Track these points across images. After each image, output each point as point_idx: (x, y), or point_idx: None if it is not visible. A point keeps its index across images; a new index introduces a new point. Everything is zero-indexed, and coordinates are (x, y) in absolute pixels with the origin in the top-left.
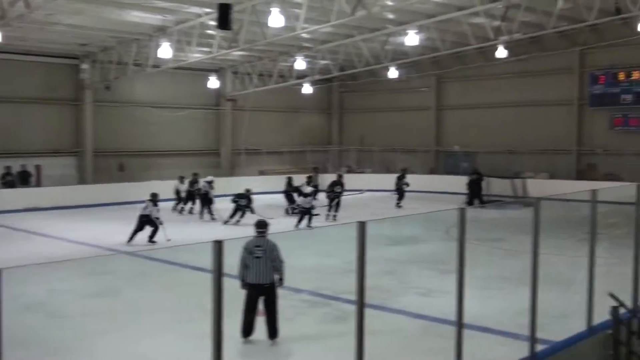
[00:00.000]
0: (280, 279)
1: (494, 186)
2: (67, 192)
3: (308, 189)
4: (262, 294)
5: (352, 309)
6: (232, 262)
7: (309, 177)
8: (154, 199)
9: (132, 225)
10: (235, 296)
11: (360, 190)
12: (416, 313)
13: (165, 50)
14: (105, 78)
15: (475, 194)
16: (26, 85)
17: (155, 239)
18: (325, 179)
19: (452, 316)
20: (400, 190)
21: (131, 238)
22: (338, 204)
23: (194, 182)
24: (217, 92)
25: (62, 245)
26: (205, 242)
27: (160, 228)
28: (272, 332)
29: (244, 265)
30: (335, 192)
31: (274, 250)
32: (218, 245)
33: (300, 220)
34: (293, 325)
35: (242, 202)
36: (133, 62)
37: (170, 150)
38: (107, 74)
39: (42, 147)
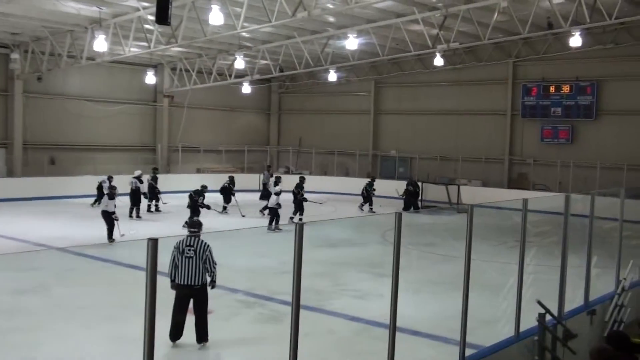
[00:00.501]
0: (212, 281)
1: (429, 192)
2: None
3: (277, 189)
4: (192, 296)
5: (286, 309)
6: (166, 260)
7: (278, 177)
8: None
9: (61, 220)
10: (166, 297)
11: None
12: (350, 315)
13: (100, 44)
14: (37, 69)
15: (411, 204)
16: None
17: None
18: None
19: (386, 319)
20: (369, 196)
21: (110, 236)
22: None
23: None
24: (155, 88)
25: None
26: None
27: (116, 224)
28: (201, 335)
29: (175, 265)
30: (301, 195)
31: (206, 251)
32: (153, 243)
33: (273, 221)
34: (228, 325)
35: (200, 199)
36: (67, 54)
37: (105, 145)
38: (39, 65)
39: None
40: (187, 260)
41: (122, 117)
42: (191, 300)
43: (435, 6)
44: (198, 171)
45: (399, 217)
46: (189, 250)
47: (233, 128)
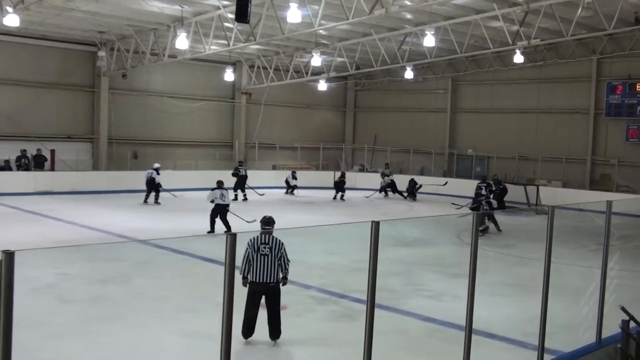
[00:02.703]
0: (284, 277)
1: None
2: (81, 178)
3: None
4: (266, 293)
5: (359, 307)
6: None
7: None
8: (220, 186)
9: (142, 212)
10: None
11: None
12: (424, 315)
13: (182, 41)
14: (122, 66)
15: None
16: (43, 70)
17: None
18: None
19: (460, 320)
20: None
21: (213, 228)
22: None
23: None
24: (233, 85)
25: (73, 229)
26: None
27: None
28: (274, 332)
29: (248, 262)
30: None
31: (281, 249)
32: (232, 238)
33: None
34: (301, 322)
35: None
36: (150, 52)
37: (184, 141)
38: (124, 62)
39: (57, 132)
40: (262, 257)
41: (201, 113)
42: (263, 297)
43: (516, 2)
44: (274, 168)
45: (476, 217)
46: (264, 247)
47: (308, 125)
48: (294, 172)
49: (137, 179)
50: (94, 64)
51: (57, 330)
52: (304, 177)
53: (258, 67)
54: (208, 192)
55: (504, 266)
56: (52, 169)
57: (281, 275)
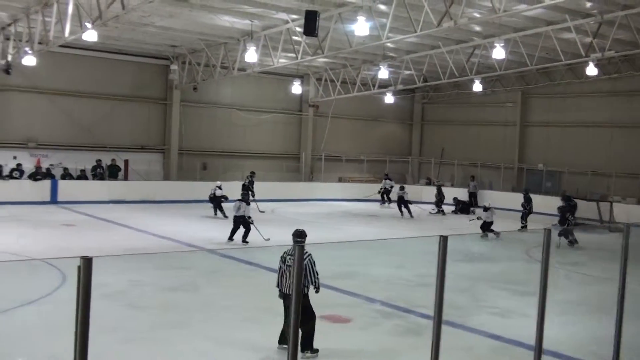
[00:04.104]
0: (315, 287)
1: (578, 208)
2: (152, 188)
3: None
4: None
5: (425, 322)
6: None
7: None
8: (245, 198)
9: (210, 222)
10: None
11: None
12: (490, 333)
13: (251, 55)
14: (193, 79)
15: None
16: (118, 83)
17: (249, 239)
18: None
19: (528, 339)
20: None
21: (231, 237)
22: None
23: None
24: (300, 98)
25: (144, 238)
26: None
27: (253, 228)
28: (304, 344)
29: (280, 274)
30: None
31: (305, 260)
32: (300, 250)
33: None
34: (366, 335)
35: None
36: (220, 65)
37: (252, 153)
38: (195, 76)
39: (131, 143)
40: (288, 269)
41: (269, 125)
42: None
43: (589, 13)
44: (340, 180)
45: (547, 233)
46: (290, 259)
47: (375, 138)
48: (402, 187)
49: (206, 189)
50: (166, 77)
51: (127, 335)
52: (370, 190)
53: (325, 80)
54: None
55: (574, 284)
56: (126, 178)
57: (306, 289)
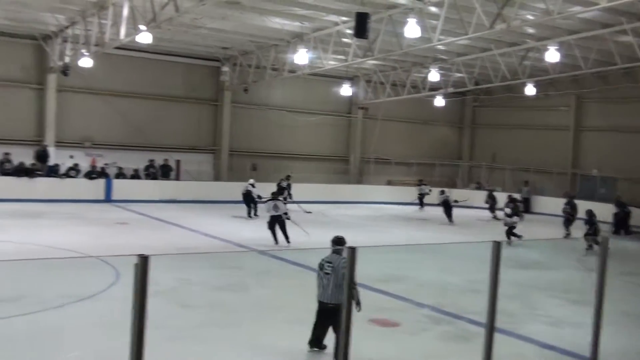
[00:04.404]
0: (357, 303)
1: (636, 216)
2: (203, 188)
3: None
4: (327, 315)
5: (474, 329)
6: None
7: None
8: (276, 197)
9: (260, 223)
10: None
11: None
12: (542, 342)
13: (301, 57)
14: (244, 81)
15: (621, 225)
16: (171, 84)
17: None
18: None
19: (581, 350)
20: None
21: (276, 239)
22: None
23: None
24: (350, 100)
25: (195, 237)
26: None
27: (290, 223)
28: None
29: (317, 280)
30: None
31: (344, 269)
32: (352, 252)
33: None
34: (414, 340)
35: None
36: (271, 67)
37: (301, 154)
38: (245, 77)
39: (183, 143)
40: (324, 276)
41: (318, 127)
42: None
43: None
44: (388, 183)
45: (604, 242)
46: (328, 266)
47: (424, 141)
48: (443, 191)
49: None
50: (217, 79)
51: (176, 333)
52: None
53: (375, 82)
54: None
55: (628, 294)
56: (177, 178)
57: (342, 298)
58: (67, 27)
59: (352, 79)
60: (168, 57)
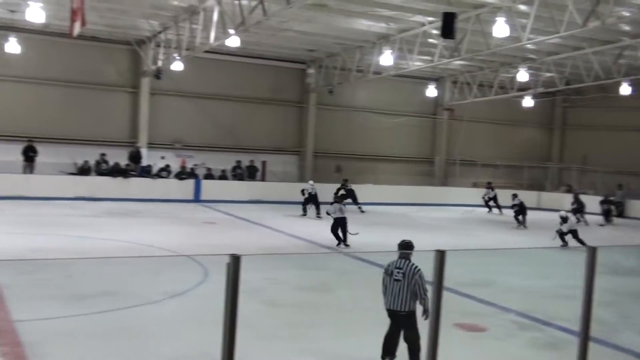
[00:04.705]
0: (425, 310)
1: None
2: (288, 188)
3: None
4: (398, 323)
5: (564, 336)
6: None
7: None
8: (340, 200)
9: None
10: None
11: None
12: (637, 352)
13: (387, 58)
14: (329, 83)
15: None
16: (257, 87)
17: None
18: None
19: None
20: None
21: (345, 240)
22: None
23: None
24: (435, 101)
25: (280, 237)
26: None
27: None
28: None
29: (384, 287)
30: None
31: (416, 275)
32: (441, 255)
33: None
34: (501, 346)
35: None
36: (356, 68)
37: (385, 156)
38: (330, 79)
39: (269, 145)
40: (394, 283)
41: (402, 129)
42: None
43: None
44: (474, 185)
45: None
46: (398, 272)
47: (512, 143)
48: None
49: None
50: (303, 81)
51: (264, 332)
52: (506, 196)
53: (461, 83)
54: (331, 206)
55: None
56: (263, 179)
57: (414, 305)
58: (160, 32)
59: (438, 80)
60: (255, 60)
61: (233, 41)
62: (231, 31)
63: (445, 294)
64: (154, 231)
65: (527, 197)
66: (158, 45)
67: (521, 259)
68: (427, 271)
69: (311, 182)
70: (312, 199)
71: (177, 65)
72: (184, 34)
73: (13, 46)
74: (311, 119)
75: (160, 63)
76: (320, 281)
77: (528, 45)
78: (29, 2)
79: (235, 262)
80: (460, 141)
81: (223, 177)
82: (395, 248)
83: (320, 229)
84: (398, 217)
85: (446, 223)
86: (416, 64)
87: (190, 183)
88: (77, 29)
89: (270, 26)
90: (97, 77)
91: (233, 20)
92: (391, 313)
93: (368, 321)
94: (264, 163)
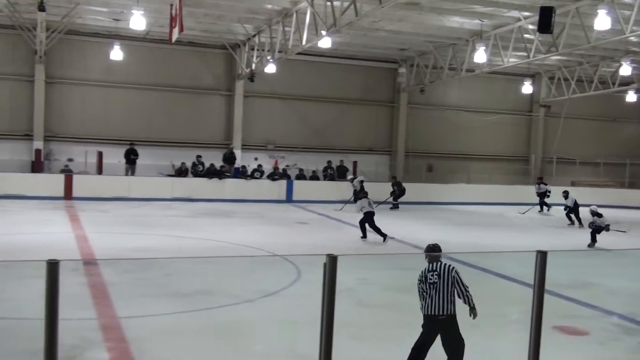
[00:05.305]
0: (472, 308)
1: None
2: (378, 189)
3: None
4: (437, 329)
5: None
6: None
7: None
8: (366, 195)
9: (436, 225)
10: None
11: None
12: None
13: (480, 55)
14: (420, 81)
15: None
16: (348, 87)
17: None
18: None
19: None
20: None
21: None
22: None
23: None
24: (530, 98)
25: (372, 238)
26: (528, 251)
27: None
28: None
29: (421, 297)
30: None
31: (452, 272)
32: (542, 256)
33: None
34: (604, 350)
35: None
36: (448, 67)
37: (478, 155)
38: (422, 78)
39: (359, 145)
40: (430, 287)
41: (496, 127)
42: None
43: None
44: (573, 184)
45: None
46: (432, 275)
47: (613, 139)
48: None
49: (432, 191)
50: (394, 80)
51: (357, 332)
52: (607, 195)
53: (558, 79)
54: (358, 202)
55: None
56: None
57: (454, 308)
58: (254, 36)
59: (534, 76)
60: (346, 61)
61: (325, 42)
62: (323, 32)
63: (545, 296)
64: (247, 231)
65: (630, 195)
66: (252, 49)
67: (625, 260)
68: (528, 273)
69: (361, 177)
70: (356, 195)
71: (270, 68)
72: (276, 36)
73: (117, 53)
74: (402, 118)
75: (253, 66)
76: (412, 282)
77: (631, 38)
78: (132, 11)
79: (332, 262)
80: (556, 139)
81: (314, 177)
82: (493, 249)
83: (411, 230)
84: (493, 217)
85: (543, 222)
86: (511, 60)
87: (282, 184)
88: (175, 35)
89: (362, 26)
90: (194, 81)
91: (325, 22)
92: (430, 319)
93: (461, 323)
94: (354, 163)
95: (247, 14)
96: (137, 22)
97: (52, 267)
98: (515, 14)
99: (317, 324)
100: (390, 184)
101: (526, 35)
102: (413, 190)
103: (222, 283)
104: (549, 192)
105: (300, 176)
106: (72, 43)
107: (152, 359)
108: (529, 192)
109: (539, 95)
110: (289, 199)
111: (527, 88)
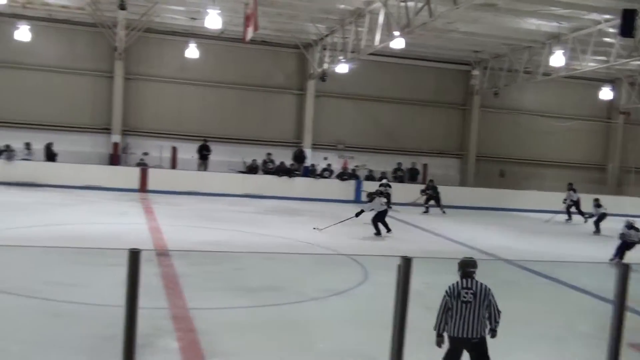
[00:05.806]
0: (493, 330)
1: None
2: (449, 192)
3: None
4: (469, 351)
5: None
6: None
7: None
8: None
9: (506, 231)
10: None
11: None
12: None
13: (558, 59)
14: (494, 84)
15: None
16: (420, 89)
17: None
18: None
19: None
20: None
21: (378, 231)
22: None
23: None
24: (609, 104)
25: (439, 241)
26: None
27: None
28: None
29: (446, 314)
30: None
31: (489, 295)
32: (624, 269)
33: None
34: None
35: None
36: (523, 70)
37: (552, 161)
38: (496, 81)
39: (430, 148)
40: (463, 306)
41: (571, 133)
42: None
43: None
44: None
45: None
46: (467, 293)
47: None
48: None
49: (504, 197)
50: (466, 83)
51: (421, 336)
52: None
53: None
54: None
55: None
56: (424, 181)
57: (485, 331)
58: (326, 36)
59: (613, 82)
60: (418, 62)
61: (398, 43)
62: (396, 33)
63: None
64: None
65: None
66: (324, 49)
67: None
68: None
69: (385, 180)
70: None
71: (342, 68)
72: (349, 36)
73: (192, 51)
74: (474, 121)
75: (325, 66)
76: None
77: None
78: (208, 10)
79: (405, 264)
80: (637, 147)
81: (383, 178)
82: (570, 259)
83: (480, 235)
84: (568, 227)
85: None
86: (590, 64)
87: (351, 184)
88: (250, 34)
89: (436, 27)
90: (267, 80)
91: (398, 22)
92: (458, 341)
93: (533, 335)
94: (425, 166)
95: (320, 13)
96: (213, 21)
97: (134, 256)
98: (595, 16)
99: (382, 326)
100: (424, 187)
101: (606, 39)
102: (484, 196)
103: (290, 280)
104: (574, 200)
105: (369, 177)
106: (150, 41)
107: (219, 350)
108: (606, 202)
109: (618, 102)
110: (357, 200)
111: (605, 93)
